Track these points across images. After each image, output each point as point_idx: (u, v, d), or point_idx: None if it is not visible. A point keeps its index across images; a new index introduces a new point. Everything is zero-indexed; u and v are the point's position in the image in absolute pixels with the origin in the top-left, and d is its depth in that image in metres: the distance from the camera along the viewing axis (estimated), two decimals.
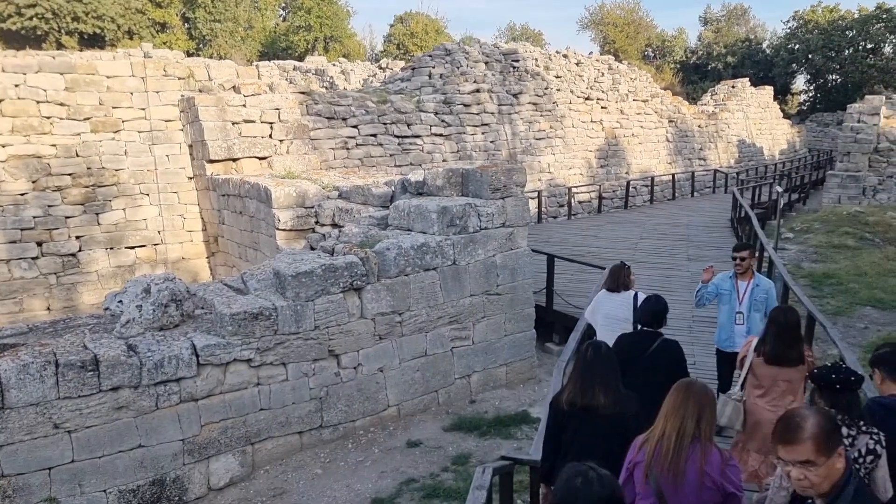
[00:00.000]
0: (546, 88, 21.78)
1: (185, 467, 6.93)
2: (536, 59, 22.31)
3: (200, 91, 14.10)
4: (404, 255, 8.23)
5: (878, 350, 4.19)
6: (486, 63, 20.77)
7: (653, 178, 24.93)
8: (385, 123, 17.31)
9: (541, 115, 21.40)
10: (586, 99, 23.38)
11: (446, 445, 7.72)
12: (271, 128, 14.28)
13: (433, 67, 20.10)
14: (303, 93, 15.90)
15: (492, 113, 19.81)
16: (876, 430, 3.55)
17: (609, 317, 6.32)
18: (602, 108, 24.05)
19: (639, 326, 5.35)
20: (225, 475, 7.17)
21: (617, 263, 6.75)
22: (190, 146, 14.29)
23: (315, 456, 7.58)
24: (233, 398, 7.16)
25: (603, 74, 24.79)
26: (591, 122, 23.54)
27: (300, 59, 37.37)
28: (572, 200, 21.40)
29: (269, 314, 7.28)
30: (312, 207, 11.16)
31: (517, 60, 21.43)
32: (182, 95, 14.17)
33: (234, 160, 13.68)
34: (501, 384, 9.43)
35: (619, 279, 6.39)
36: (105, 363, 6.41)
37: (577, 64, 24.02)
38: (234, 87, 14.28)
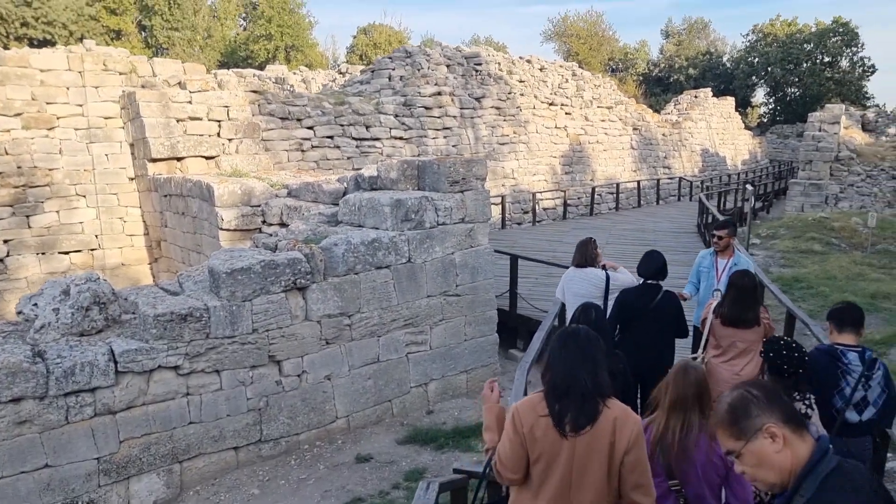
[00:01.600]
0: (509, 93, 21.30)
1: (100, 489, 6.09)
2: (499, 64, 21.84)
3: (143, 87, 13.25)
4: (354, 251, 7.52)
5: (834, 306, 4.62)
6: (448, 66, 20.22)
7: (618, 185, 24.59)
8: (342, 125, 16.62)
9: (504, 120, 20.89)
10: (550, 104, 22.97)
11: (399, 460, 6.99)
12: (219, 126, 13.48)
13: (393, 70, 19.48)
14: (255, 91, 15.13)
15: (454, 116, 19.24)
16: (808, 395, 3.83)
17: (577, 295, 6.14)
18: (566, 114, 23.68)
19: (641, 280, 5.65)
20: (148, 498, 6.34)
21: (583, 238, 6.75)
22: (131, 145, 13.41)
23: (253, 474, 6.79)
24: (157, 410, 6.35)
25: (567, 81, 24.45)
26: (556, 127, 23.12)
27: (261, 68, 36.51)
28: (537, 206, 20.89)
29: (200, 315, 6.50)
30: (259, 206, 10.39)
31: (480, 64, 20.92)
32: (123, 91, 13.31)
33: (179, 159, 12.84)
34: (462, 393, 8.74)
35: (586, 254, 6.37)
36: (4, 371, 5.57)
37: (540, 69, 23.63)
38: (179, 83, 13.46)
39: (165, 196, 12.35)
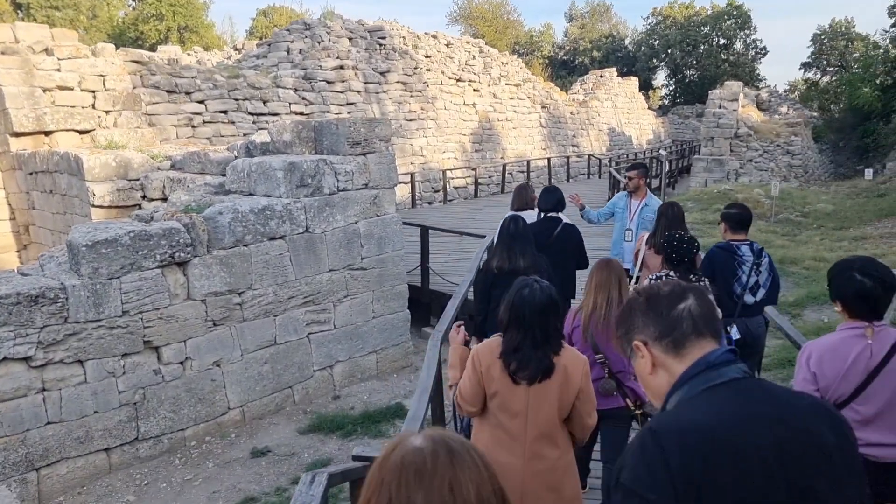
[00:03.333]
0: (416, 68, 20.55)
1: None
2: (404, 38, 21.06)
3: (3, 53, 11.72)
4: (242, 220, 6.64)
5: (726, 207, 5.19)
6: (351, 39, 19.26)
7: (528, 163, 24.29)
8: (237, 99, 15.46)
9: (411, 96, 20.14)
10: (458, 80, 22.38)
11: (301, 451, 6.21)
12: (94, 97, 12.12)
13: (292, 42, 18.38)
14: (136, 62, 13.79)
15: (358, 91, 18.34)
16: (703, 277, 4.36)
17: None
18: (475, 91, 23.15)
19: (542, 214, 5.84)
20: None
21: (521, 183, 6.95)
22: None
23: (129, 478, 5.86)
24: (6, 410, 5.33)
25: (474, 57, 23.92)
26: (464, 104, 22.56)
27: (152, 49, 34.23)
28: (447, 185, 20.28)
29: (56, 297, 5.50)
30: (138, 180, 9.27)
31: (384, 38, 20.07)
32: None
33: (47, 133, 11.43)
34: (371, 375, 8.01)
35: (524, 198, 6.37)
36: None
37: (447, 45, 22.99)
38: (45, 49, 12.00)
39: (31, 174, 10.96)
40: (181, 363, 6.33)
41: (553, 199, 5.79)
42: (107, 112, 12.22)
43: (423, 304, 9.49)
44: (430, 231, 9.92)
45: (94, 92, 12.16)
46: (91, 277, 5.69)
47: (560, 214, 5.76)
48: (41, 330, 5.43)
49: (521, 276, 3.11)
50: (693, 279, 4.15)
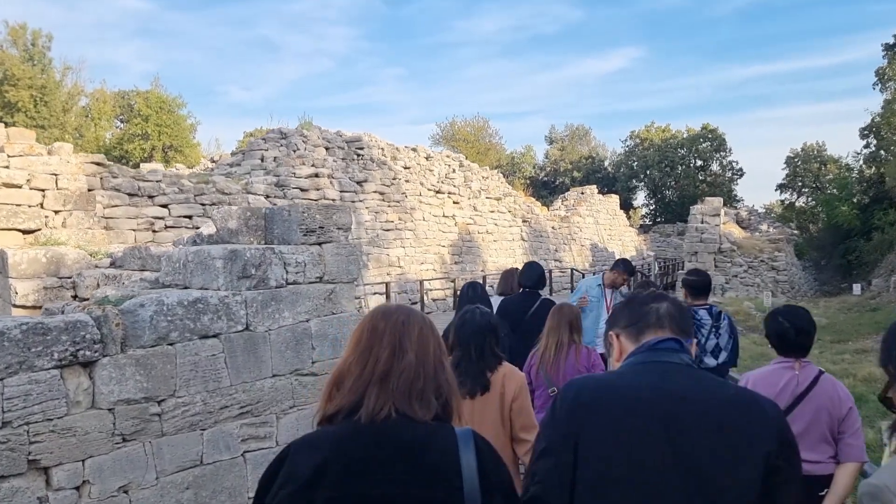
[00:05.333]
0: (394, 178, 20.22)
1: None
2: (383, 149, 20.87)
3: None
4: (168, 314, 5.64)
5: (686, 273, 5.43)
6: (328, 149, 18.99)
7: None
8: (204, 204, 14.81)
9: (388, 206, 19.67)
10: (437, 192, 22.07)
11: None
12: (43, 196, 11.37)
13: (266, 150, 18.03)
14: (97, 163, 13.18)
15: (332, 199, 17.80)
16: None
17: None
18: (455, 203, 22.82)
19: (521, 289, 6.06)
20: None
21: (509, 268, 7.16)
22: None
23: None
24: None
25: (454, 171, 23.79)
26: (444, 216, 22.14)
27: (136, 167, 34.17)
28: (425, 296, 19.42)
29: None
30: (70, 277, 8.31)
31: (362, 148, 19.85)
32: None
33: None
34: None
35: (510, 282, 6.52)
36: None
37: (426, 158, 22.88)
38: None
39: None
40: (76, 488, 5.11)
41: (534, 274, 5.88)
42: (56, 212, 11.44)
43: None
44: None
45: (44, 191, 11.45)
46: None
47: (539, 291, 5.84)
48: None
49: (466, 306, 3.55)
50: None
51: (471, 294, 5.12)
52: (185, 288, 6.47)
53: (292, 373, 6.53)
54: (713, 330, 5.04)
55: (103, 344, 5.27)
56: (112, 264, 8.76)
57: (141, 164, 32.84)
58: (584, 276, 28.01)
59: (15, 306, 7.97)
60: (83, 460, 5.14)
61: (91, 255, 8.78)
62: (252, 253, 6.27)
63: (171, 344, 5.66)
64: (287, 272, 6.53)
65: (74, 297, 8.22)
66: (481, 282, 22.08)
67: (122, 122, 50.14)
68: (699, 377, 1.75)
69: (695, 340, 2.18)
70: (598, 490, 1.58)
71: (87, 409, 5.19)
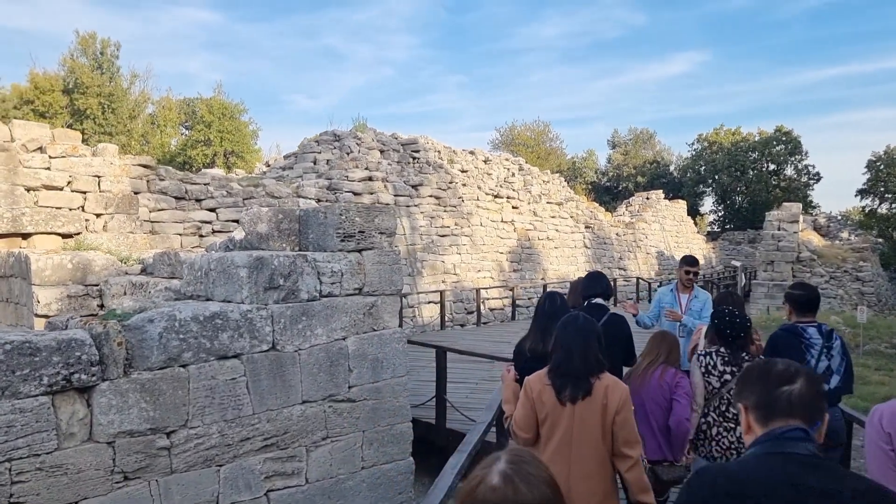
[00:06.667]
0: (451, 182, 19.35)
1: None
2: (439, 152, 20.04)
3: None
4: (180, 331, 4.88)
5: (790, 287, 4.91)
6: (382, 151, 18.26)
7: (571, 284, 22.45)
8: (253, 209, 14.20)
9: (444, 211, 18.80)
10: (496, 197, 21.09)
11: None
12: (84, 198, 10.92)
13: (319, 153, 17.40)
14: (144, 165, 12.72)
15: (386, 203, 17.03)
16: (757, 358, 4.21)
17: None
18: (514, 207, 21.80)
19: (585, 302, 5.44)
20: None
21: (579, 278, 6.67)
22: None
23: None
24: None
25: (514, 175, 22.78)
26: (502, 221, 21.15)
27: (197, 172, 34.39)
28: (482, 305, 18.46)
29: None
30: (97, 285, 7.71)
31: (417, 151, 19.06)
32: None
33: (25, 236, 10.12)
34: None
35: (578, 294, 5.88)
36: None
37: (485, 161, 21.95)
38: (39, 147, 10.97)
39: None
40: None
41: (598, 285, 5.40)
42: (97, 215, 10.98)
43: (437, 448, 7.43)
44: (449, 354, 8.02)
45: (85, 193, 10.99)
46: None
47: (606, 303, 5.27)
48: None
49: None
50: (746, 358, 4.17)
51: (548, 307, 4.53)
52: (208, 299, 5.72)
53: (325, 399, 5.70)
54: (824, 351, 4.48)
55: (103, 366, 4.54)
56: (143, 271, 8.15)
57: (202, 170, 33.12)
58: (650, 286, 26.59)
59: (37, 316, 7.41)
60: (76, 503, 4.41)
61: (122, 261, 8.19)
62: (280, 261, 5.47)
63: (183, 366, 4.89)
64: (321, 283, 5.71)
65: (101, 306, 7.63)
66: (543, 291, 21.03)
67: (186, 129, 51.02)
68: (829, 468, 1.77)
69: (822, 422, 1.96)
70: None
71: (83, 443, 4.46)
